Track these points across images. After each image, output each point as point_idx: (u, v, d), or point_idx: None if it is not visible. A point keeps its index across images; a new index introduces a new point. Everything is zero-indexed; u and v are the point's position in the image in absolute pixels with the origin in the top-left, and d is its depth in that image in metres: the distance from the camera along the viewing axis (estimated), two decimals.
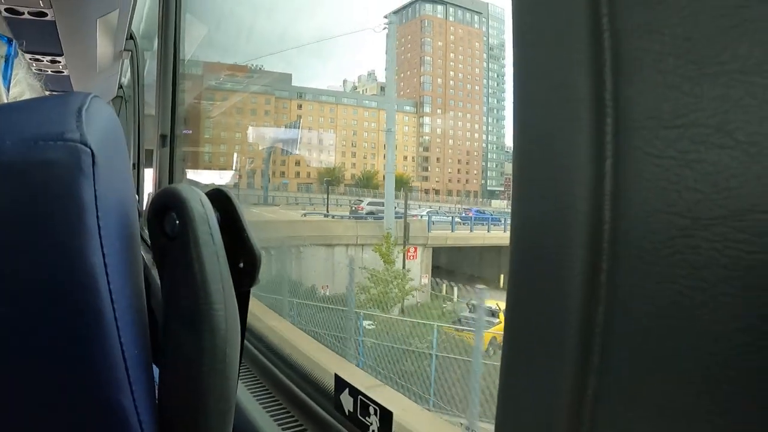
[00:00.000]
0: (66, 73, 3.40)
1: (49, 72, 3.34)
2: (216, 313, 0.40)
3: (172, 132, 2.47)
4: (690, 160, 0.32)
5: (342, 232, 17.13)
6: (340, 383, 1.20)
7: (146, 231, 0.43)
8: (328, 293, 11.51)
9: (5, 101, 0.57)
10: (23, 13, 2.35)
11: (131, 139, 4.37)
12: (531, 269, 0.40)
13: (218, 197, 0.46)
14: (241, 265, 0.47)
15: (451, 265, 20.62)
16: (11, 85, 0.60)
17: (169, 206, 0.41)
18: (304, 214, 26.28)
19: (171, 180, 2.74)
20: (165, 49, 2.45)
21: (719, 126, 0.31)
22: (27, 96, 0.60)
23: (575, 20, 0.36)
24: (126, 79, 4.61)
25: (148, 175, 4.22)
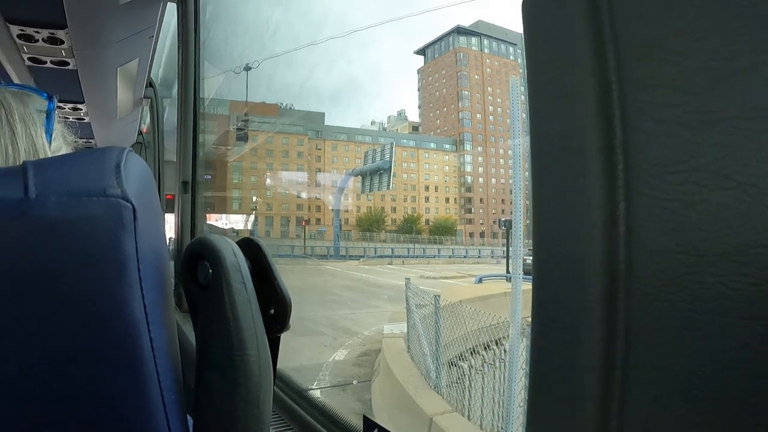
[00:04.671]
0: (87, 120, 3.61)
1: (71, 119, 3.52)
2: (249, 359, 0.45)
3: (193, 178, 2.57)
4: (694, 202, 0.38)
5: None
6: (369, 424, 1.22)
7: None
8: None
9: (48, 155, 0.62)
10: (46, 62, 2.57)
11: None
12: (553, 308, 0.46)
13: (248, 246, 0.52)
14: (272, 311, 0.52)
15: None
16: (52, 139, 0.68)
17: (202, 256, 0.47)
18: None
19: (193, 226, 2.83)
20: (185, 96, 2.57)
21: (719, 169, 0.37)
22: (64, 150, 0.66)
23: (586, 74, 0.43)
24: (146, 125, 4.79)
25: (169, 219, 4.39)
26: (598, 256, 0.42)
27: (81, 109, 3.40)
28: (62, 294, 0.38)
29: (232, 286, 0.45)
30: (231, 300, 0.45)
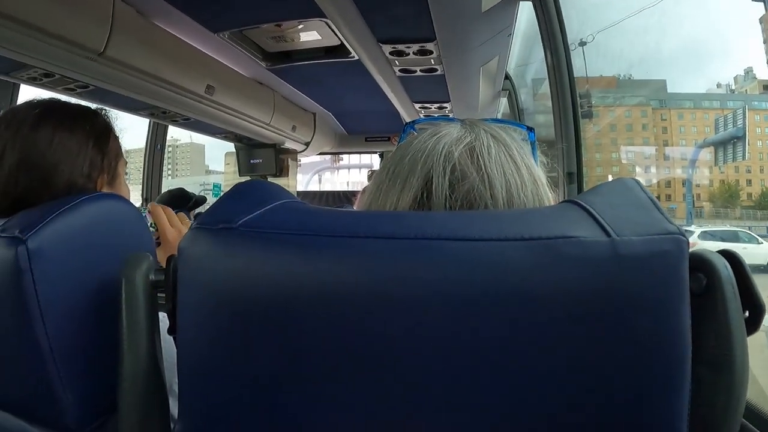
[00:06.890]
0: (451, 116, 3.88)
1: (437, 117, 3.88)
2: (736, 359, 0.51)
3: (578, 170, 2.58)
4: None
5: None
6: None
7: None
8: None
9: (544, 181, 0.72)
10: (415, 71, 2.85)
11: None
12: None
13: (727, 255, 0.55)
14: (746, 314, 0.54)
15: None
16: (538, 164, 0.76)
17: (695, 267, 0.51)
18: None
19: None
20: (561, 90, 2.56)
21: None
22: (543, 173, 0.74)
23: None
24: (500, 114, 4.96)
25: None
26: None
27: (446, 107, 3.80)
28: (639, 319, 0.47)
29: (726, 297, 0.51)
30: (724, 308, 0.51)
